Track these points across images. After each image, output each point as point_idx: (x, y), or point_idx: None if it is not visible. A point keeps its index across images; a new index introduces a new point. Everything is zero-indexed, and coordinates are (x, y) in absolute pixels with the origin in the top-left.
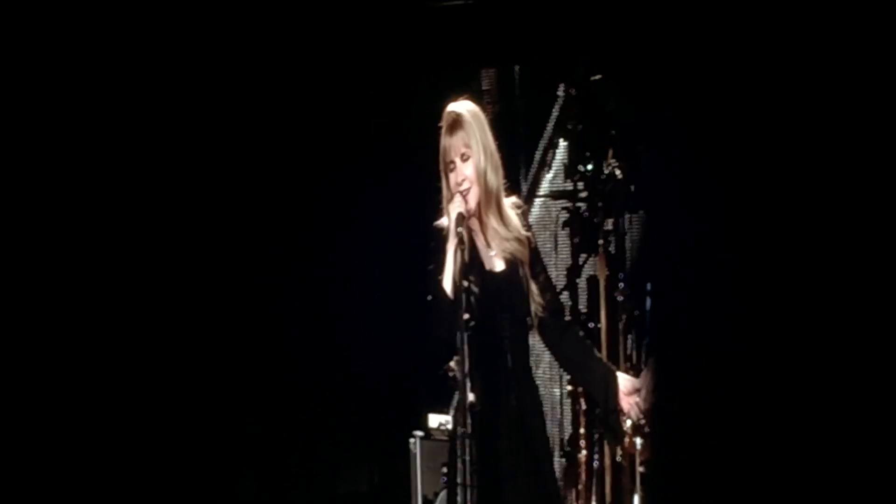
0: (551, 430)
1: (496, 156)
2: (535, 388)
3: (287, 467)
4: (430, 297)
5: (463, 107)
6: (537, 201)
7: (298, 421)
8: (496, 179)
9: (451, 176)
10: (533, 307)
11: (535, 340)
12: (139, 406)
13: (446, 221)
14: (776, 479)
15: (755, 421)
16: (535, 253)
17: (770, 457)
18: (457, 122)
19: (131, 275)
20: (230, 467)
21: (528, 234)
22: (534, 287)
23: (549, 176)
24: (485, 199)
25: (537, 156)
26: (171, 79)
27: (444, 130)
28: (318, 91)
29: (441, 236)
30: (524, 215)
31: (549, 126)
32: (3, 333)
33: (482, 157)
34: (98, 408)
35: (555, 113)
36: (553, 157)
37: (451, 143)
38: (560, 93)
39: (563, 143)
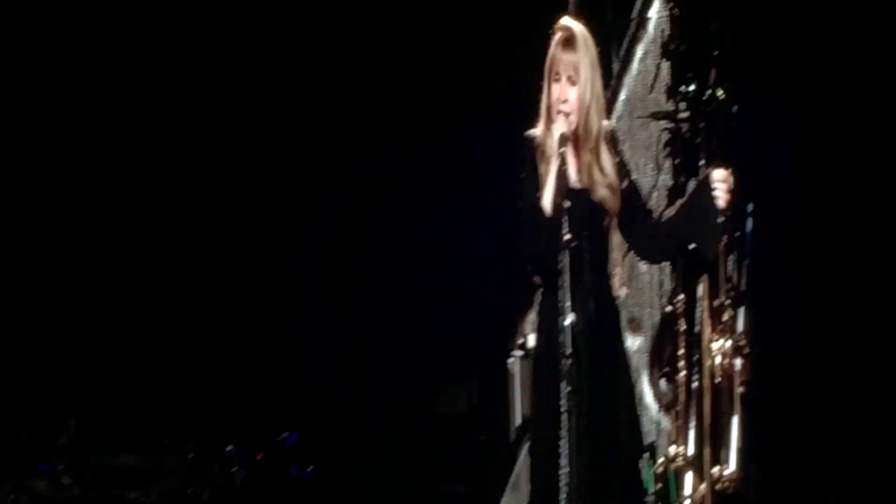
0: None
1: (602, 100)
2: (617, 310)
3: (388, 388)
4: (521, 205)
5: (579, 28)
6: (638, 122)
7: (398, 342)
8: (598, 122)
9: (555, 87)
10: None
11: None
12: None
13: (538, 132)
14: (873, 399)
15: (855, 343)
16: (627, 198)
17: (867, 376)
18: (570, 41)
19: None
20: (325, 388)
21: (623, 183)
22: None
23: (651, 96)
24: (584, 136)
25: (633, 75)
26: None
27: (556, 40)
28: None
29: (532, 146)
30: (619, 165)
31: (640, 47)
32: None
33: (588, 93)
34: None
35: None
36: (656, 79)
37: (561, 57)
38: (653, 14)
39: (665, 64)
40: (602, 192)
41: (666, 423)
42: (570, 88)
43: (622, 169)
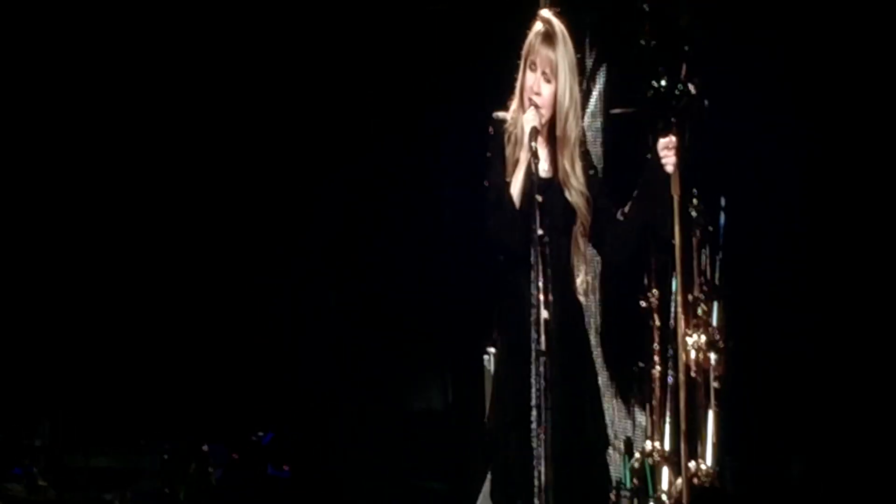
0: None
1: (579, 106)
2: (581, 308)
3: (362, 385)
4: (486, 184)
5: (559, 26)
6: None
7: (373, 339)
8: (576, 128)
9: (529, 75)
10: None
11: None
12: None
13: (509, 114)
14: (849, 392)
15: (829, 336)
16: (599, 211)
17: (844, 369)
18: (550, 37)
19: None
20: (301, 385)
21: (595, 195)
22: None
23: (618, 93)
24: (562, 140)
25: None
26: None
27: (536, 30)
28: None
29: (500, 127)
30: (593, 178)
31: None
32: None
33: (567, 98)
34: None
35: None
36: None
37: (539, 50)
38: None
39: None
40: (576, 199)
41: (641, 418)
42: (545, 83)
43: (596, 182)
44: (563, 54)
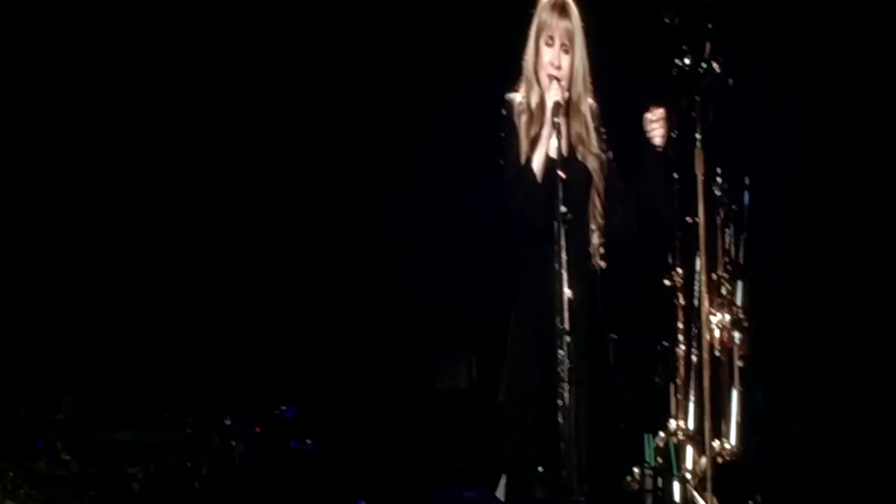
0: None
1: (588, 78)
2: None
3: (387, 363)
4: (503, 163)
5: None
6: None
7: (397, 317)
8: (586, 94)
9: (548, 51)
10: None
11: None
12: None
13: (519, 95)
14: (874, 375)
15: (854, 318)
16: (610, 174)
17: (867, 351)
18: (565, 7)
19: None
20: (326, 365)
21: (608, 156)
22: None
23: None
24: (575, 107)
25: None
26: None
27: (547, 4)
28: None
29: (512, 108)
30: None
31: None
32: None
33: (581, 65)
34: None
35: None
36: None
37: (556, 23)
38: None
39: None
40: (592, 163)
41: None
42: (564, 55)
43: (607, 144)
44: (578, 23)
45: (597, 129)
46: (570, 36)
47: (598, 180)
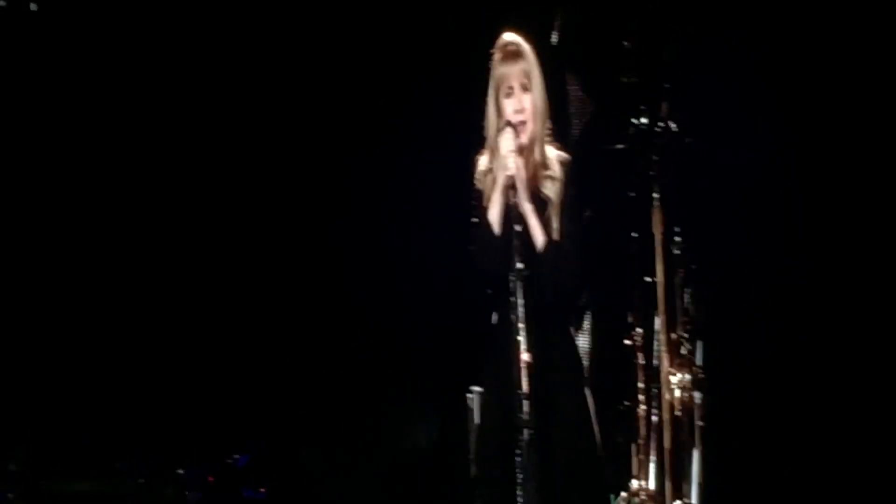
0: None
1: (546, 106)
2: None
3: (349, 425)
4: (474, 220)
5: (521, 40)
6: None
7: (359, 379)
8: (544, 126)
9: (508, 102)
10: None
11: None
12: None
13: (484, 162)
14: (834, 431)
15: (814, 375)
16: (567, 196)
17: (828, 407)
18: (517, 53)
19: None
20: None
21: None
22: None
23: (601, 130)
24: (534, 142)
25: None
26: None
27: (499, 58)
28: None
29: (478, 172)
30: (565, 166)
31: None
32: None
33: (540, 98)
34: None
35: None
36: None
37: (510, 71)
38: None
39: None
40: (548, 190)
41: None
42: (525, 95)
43: (568, 168)
44: (534, 61)
45: (551, 143)
46: (528, 74)
47: (554, 198)
